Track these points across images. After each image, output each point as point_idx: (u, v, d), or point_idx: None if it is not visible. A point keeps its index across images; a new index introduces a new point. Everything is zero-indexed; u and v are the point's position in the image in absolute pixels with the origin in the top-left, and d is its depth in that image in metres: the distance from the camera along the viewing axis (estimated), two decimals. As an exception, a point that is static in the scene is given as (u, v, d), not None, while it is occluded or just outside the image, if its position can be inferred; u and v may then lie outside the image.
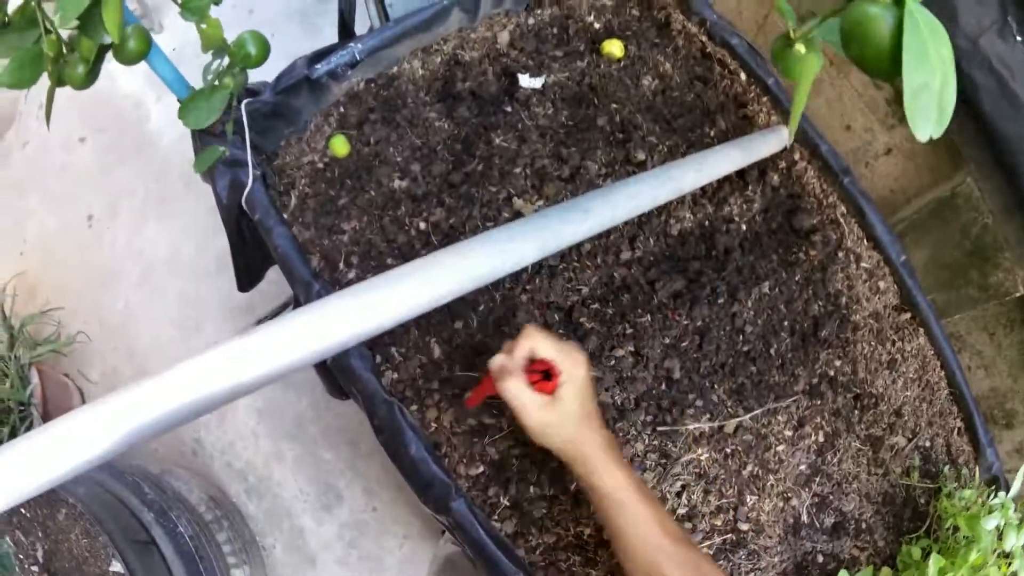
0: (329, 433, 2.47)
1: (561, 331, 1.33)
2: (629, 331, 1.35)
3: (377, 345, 1.26)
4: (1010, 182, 1.55)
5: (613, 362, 1.32)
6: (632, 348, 1.34)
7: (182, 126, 1.20)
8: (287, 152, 1.40)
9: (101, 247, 2.75)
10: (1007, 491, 1.52)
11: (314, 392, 2.47)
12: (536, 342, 1.02)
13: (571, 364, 1.02)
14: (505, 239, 1.10)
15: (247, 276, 1.60)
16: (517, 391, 1.00)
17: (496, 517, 1.22)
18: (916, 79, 0.73)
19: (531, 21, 1.61)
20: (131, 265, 2.70)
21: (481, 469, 1.23)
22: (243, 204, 1.30)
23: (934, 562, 1.32)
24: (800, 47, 0.96)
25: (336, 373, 1.26)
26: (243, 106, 1.28)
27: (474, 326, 1.30)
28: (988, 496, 1.51)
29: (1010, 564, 1.45)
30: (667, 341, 1.36)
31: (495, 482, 1.23)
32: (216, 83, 1.19)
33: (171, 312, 2.62)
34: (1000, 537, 1.43)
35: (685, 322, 1.38)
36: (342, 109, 1.44)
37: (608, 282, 1.38)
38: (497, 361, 1.04)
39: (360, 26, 1.90)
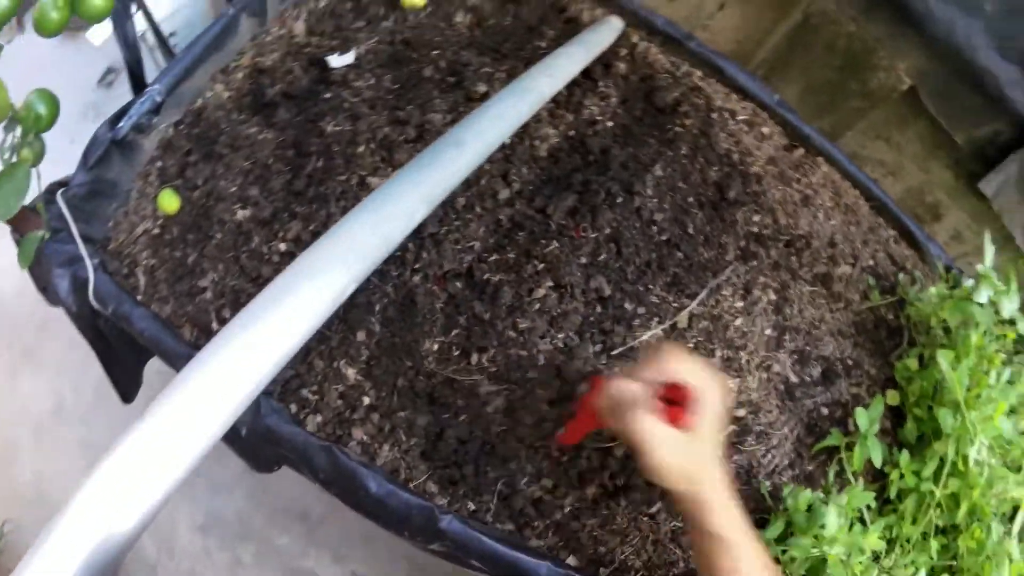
0: (276, 517, 2.35)
1: (469, 294, 1.23)
2: (541, 266, 1.25)
3: (286, 394, 1.14)
4: None
5: (537, 305, 1.22)
6: (551, 283, 1.24)
7: (16, 275, 1.08)
8: (119, 231, 1.26)
9: (-15, 420, 2.59)
10: (965, 277, 1.51)
11: (243, 482, 2.35)
12: (681, 364, 0.85)
13: (713, 394, 0.85)
14: (383, 208, 1.00)
15: (127, 382, 1.48)
16: (652, 427, 0.82)
17: (491, 520, 1.12)
18: None
19: (323, 3, 1.52)
20: (21, 431, 2.54)
21: (457, 477, 1.13)
22: (93, 303, 1.18)
23: (944, 357, 1.26)
24: None
25: (257, 443, 1.13)
26: (59, 197, 1.17)
27: (378, 330, 1.19)
28: (954, 284, 1.49)
29: (1013, 326, 1.43)
30: (583, 260, 1.27)
31: (475, 486, 1.13)
32: (14, 159, 1.08)
33: (79, 463, 2.48)
34: (996, 309, 1.40)
35: (593, 235, 1.29)
36: (159, 163, 1.32)
37: (497, 227, 1.28)
38: (621, 389, 0.86)
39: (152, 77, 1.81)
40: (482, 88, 1.38)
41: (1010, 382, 1.31)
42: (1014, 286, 1.44)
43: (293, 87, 1.40)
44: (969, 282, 1.45)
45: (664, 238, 1.34)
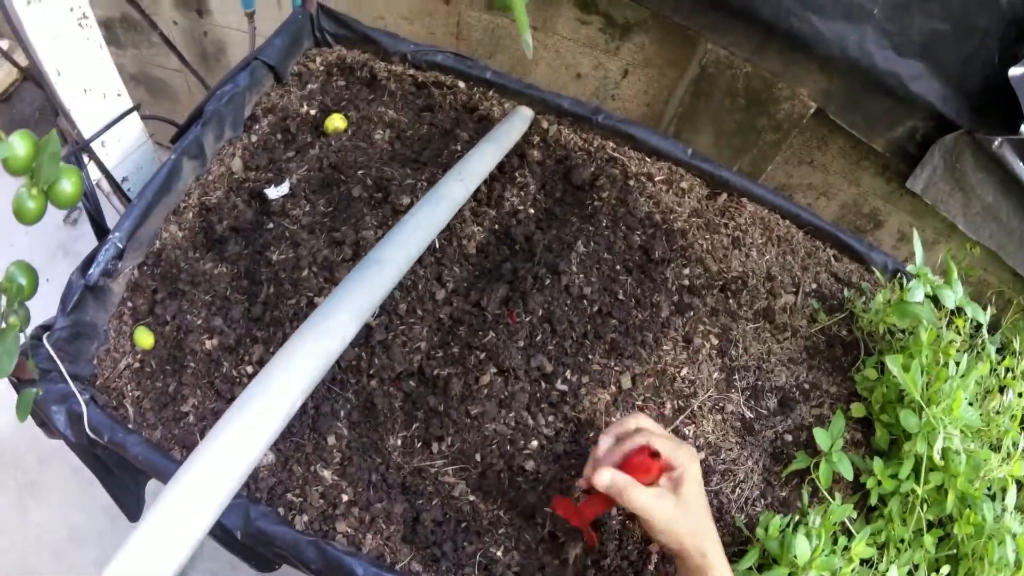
0: None
1: (423, 390, 1.33)
2: (483, 356, 1.35)
3: (273, 499, 1.25)
4: (746, 24, 1.65)
5: (486, 391, 1.33)
6: (494, 369, 1.34)
7: (12, 413, 1.20)
8: (103, 367, 1.38)
9: (3, 554, 2.70)
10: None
11: None
12: (652, 438, 1.01)
13: (687, 458, 1.02)
14: (319, 326, 1.13)
15: (131, 503, 1.58)
16: (646, 499, 0.97)
17: None
18: None
19: (254, 138, 1.63)
20: (39, 560, 2.64)
21: (439, 555, 1.23)
22: (89, 434, 1.29)
23: (892, 362, 1.34)
24: None
25: (253, 545, 1.23)
26: (45, 341, 1.27)
27: (346, 434, 1.30)
28: (902, 287, 1.54)
29: (963, 315, 1.52)
30: (521, 344, 1.37)
31: (456, 561, 1.23)
32: (2, 325, 1.20)
33: (99, 582, 2.58)
34: (937, 303, 1.49)
35: (527, 318, 1.39)
36: (129, 304, 1.44)
37: (439, 326, 1.39)
38: (609, 479, 1.00)
39: (112, 221, 1.92)
40: (406, 200, 1.49)
41: (963, 376, 1.38)
42: (954, 276, 1.52)
43: (239, 221, 1.50)
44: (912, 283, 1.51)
45: (596, 309, 1.44)
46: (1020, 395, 1.45)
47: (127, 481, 1.51)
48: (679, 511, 0.98)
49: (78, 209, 3.04)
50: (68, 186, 1.22)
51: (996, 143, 1.64)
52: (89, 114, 1.52)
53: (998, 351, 1.60)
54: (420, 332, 1.38)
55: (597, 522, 1.25)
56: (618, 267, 1.51)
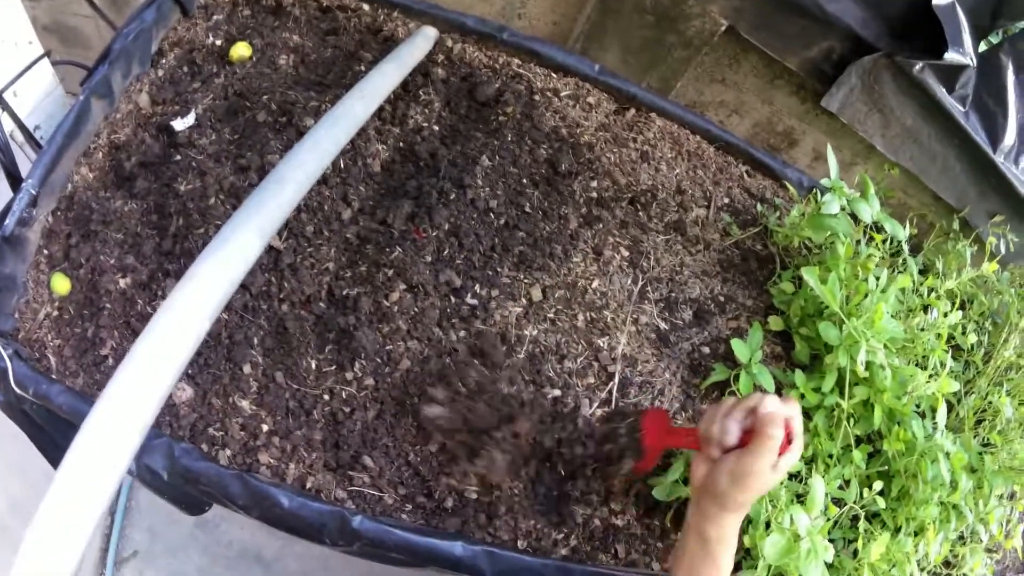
0: (234, 564, 2.43)
1: (333, 311, 1.35)
2: (391, 272, 1.37)
3: (195, 435, 1.26)
4: None
5: (397, 307, 1.35)
6: (403, 285, 1.37)
7: None
8: (24, 320, 1.38)
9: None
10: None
11: (197, 540, 2.37)
12: (793, 422, 1.05)
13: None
14: (224, 246, 1.15)
15: (60, 456, 1.60)
16: (772, 457, 1.04)
17: (400, 512, 1.25)
18: None
19: (161, 73, 1.62)
20: (-21, 535, 2.63)
21: (362, 478, 1.25)
22: (15, 389, 1.29)
23: (809, 274, 1.37)
24: None
25: (179, 485, 1.25)
26: None
27: (261, 361, 1.31)
28: (817, 203, 1.58)
29: (881, 232, 1.56)
30: (429, 259, 1.39)
31: (379, 482, 1.26)
32: None
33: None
34: (855, 218, 1.52)
35: (434, 233, 1.41)
36: (45, 251, 1.44)
37: (347, 246, 1.40)
38: (780, 402, 1.06)
39: (25, 169, 1.92)
40: (310, 122, 1.49)
41: (884, 290, 1.42)
42: (871, 191, 1.55)
43: (147, 156, 1.50)
44: (827, 196, 1.54)
45: (503, 222, 1.46)
46: (945, 315, 1.49)
47: (57, 437, 1.49)
48: (773, 479, 1.04)
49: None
50: None
51: (918, 67, 1.68)
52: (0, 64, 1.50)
53: (921, 272, 1.65)
54: (328, 253, 1.40)
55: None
56: (524, 180, 1.53)
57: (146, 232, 1.44)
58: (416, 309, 1.37)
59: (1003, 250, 1.87)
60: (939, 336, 1.46)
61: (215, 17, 1.72)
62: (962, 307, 1.69)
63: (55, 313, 1.40)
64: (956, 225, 1.91)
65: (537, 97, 1.63)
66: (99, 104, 1.53)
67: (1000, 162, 1.82)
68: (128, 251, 1.43)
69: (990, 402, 1.56)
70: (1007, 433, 1.53)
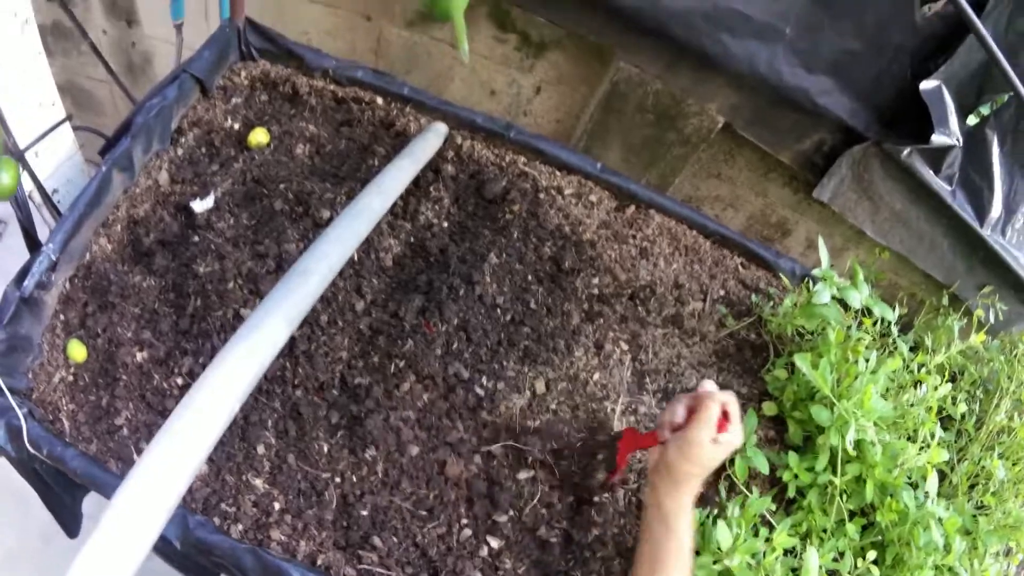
0: None
1: (345, 399, 1.44)
2: (402, 364, 1.46)
3: (208, 508, 1.33)
4: (658, 43, 1.74)
5: (409, 398, 1.44)
6: (413, 377, 1.46)
7: None
8: (39, 381, 1.44)
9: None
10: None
11: None
12: (729, 404, 1.21)
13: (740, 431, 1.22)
14: (254, 333, 1.22)
15: (69, 518, 1.63)
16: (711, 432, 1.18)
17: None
18: None
19: (180, 151, 1.71)
20: (-28, 581, 2.66)
21: (371, 557, 1.33)
22: (29, 448, 1.33)
23: (801, 360, 1.47)
24: None
25: (191, 555, 1.31)
26: None
27: (274, 442, 1.39)
28: (808, 290, 1.67)
29: (871, 315, 1.66)
30: (439, 352, 1.48)
31: (387, 561, 1.33)
32: None
33: (33, 606, 2.60)
34: (844, 305, 1.62)
35: (444, 327, 1.51)
36: (62, 316, 1.50)
37: (360, 336, 1.50)
38: (714, 387, 1.23)
39: (43, 235, 1.97)
40: (326, 214, 1.59)
41: (874, 372, 1.51)
42: (860, 277, 1.63)
43: (166, 234, 1.59)
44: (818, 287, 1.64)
45: (509, 317, 1.57)
46: (935, 388, 1.58)
47: (64, 496, 1.56)
48: (716, 453, 1.19)
49: (3, 223, 3.03)
50: (6, 178, 1.28)
51: (905, 152, 1.76)
52: (24, 122, 1.56)
53: (911, 350, 1.74)
54: (341, 342, 1.49)
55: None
56: (530, 277, 1.63)
57: (164, 309, 1.51)
58: (426, 399, 1.45)
59: (992, 319, 1.95)
60: (929, 409, 1.55)
61: (234, 100, 1.80)
62: (952, 379, 1.77)
63: (70, 378, 1.45)
64: (946, 300, 2.00)
65: (542, 195, 1.73)
66: (120, 177, 1.59)
67: (987, 235, 1.90)
68: (145, 326, 1.49)
69: (983, 466, 1.64)
70: (1001, 494, 1.61)
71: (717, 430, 1.17)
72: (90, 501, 1.58)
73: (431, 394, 1.46)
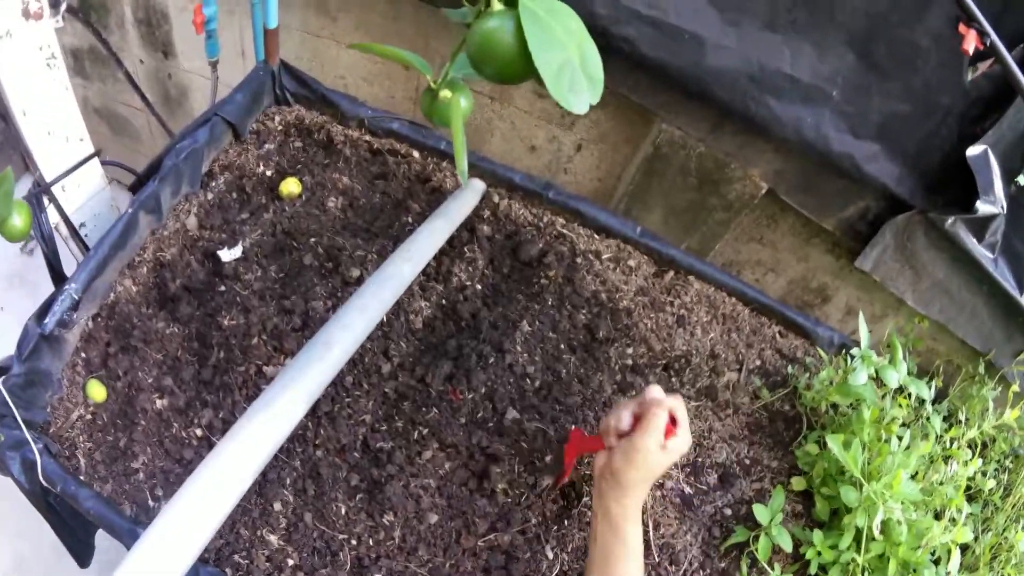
0: None
1: (366, 462, 1.43)
2: (425, 431, 1.46)
3: (220, 560, 1.32)
4: (704, 105, 1.73)
5: (430, 466, 1.44)
6: (436, 444, 1.46)
7: None
8: (56, 416, 1.45)
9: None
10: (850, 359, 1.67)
11: None
12: (676, 409, 1.21)
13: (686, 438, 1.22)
14: (269, 407, 1.23)
15: (81, 550, 1.64)
16: (659, 439, 1.18)
17: None
18: (551, 63, 0.76)
19: (210, 196, 1.72)
20: (-18, 588, 2.66)
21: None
22: (43, 483, 1.35)
23: (833, 441, 1.45)
24: (445, 93, 1.03)
25: None
26: (0, 385, 1.33)
27: (291, 500, 1.39)
28: (846, 364, 1.67)
29: (908, 395, 1.63)
30: (463, 421, 1.48)
31: None
32: None
33: (41, 618, 2.59)
34: (880, 382, 1.59)
35: (470, 395, 1.51)
36: (83, 355, 1.50)
37: (384, 400, 1.50)
38: (660, 392, 1.23)
39: (68, 265, 1.96)
40: (356, 272, 1.60)
41: (906, 450, 1.49)
42: (899, 356, 1.61)
43: (192, 281, 1.60)
44: (855, 358, 1.62)
45: (537, 386, 1.56)
46: (965, 463, 1.57)
47: (77, 529, 1.57)
48: (663, 460, 1.18)
49: (35, 239, 3.06)
50: (18, 221, 1.29)
51: (949, 222, 1.74)
52: (51, 156, 1.57)
53: (945, 419, 1.74)
54: (365, 405, 1.49)
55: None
56: (562, 346, 1.62)
57: (186, 358, 1.52)
58: (447, 468, 1.45)
59: None
60: (957, 488, 1.53)
61: (266, 146, 1.81)
62: (983, 447, 1.75)
63: (88, 416, 1.46)
64: (982, 368, 1.96)
65: (579, 260, 1.72)
66: (147, 218, 1.60)
67: None
68: (167, 373, 1.50)
69: (1006, 537, 1.61)
70: (1021, 567, 1.58)
71: (664, 436, 1.17)
72: (103, 533, 1.54)
73: (453, 463, 1.46)
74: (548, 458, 1.46)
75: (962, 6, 1.17)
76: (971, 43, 1.37)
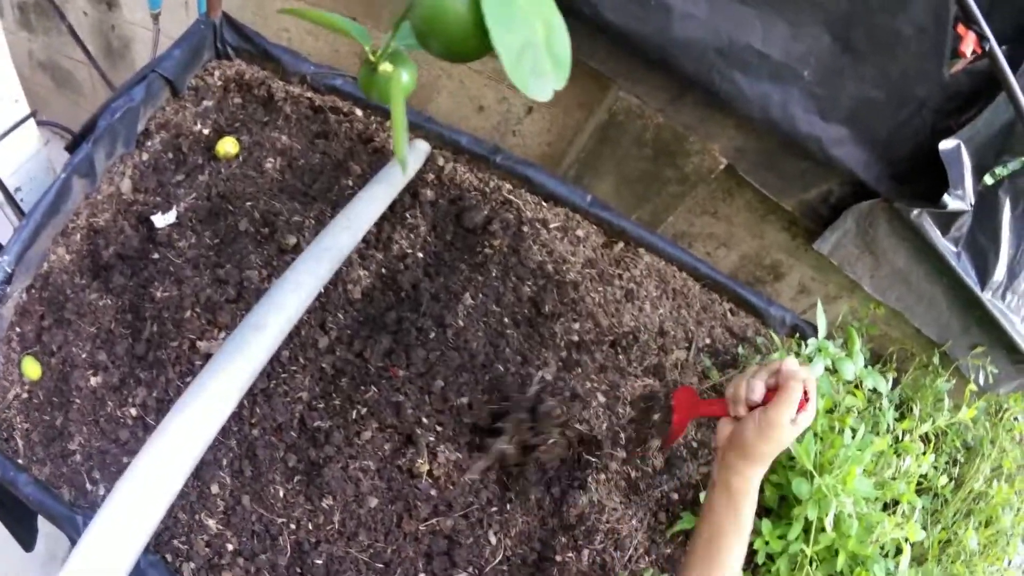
0: None
1: (304, 442, 1.41)
2: (364, 411, 1.45)
3: (160, 545, 1.31)
4: (667, 75, 1.69)
5: (369, 448, 1.42)
6: (376, 425, 1.44)
7: None
8: None
9: None
10: (815, 333, 1.67)
11: None
12: (810, 380, 1.19)
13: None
14: (198, 401, 1.20)
15: (25, 534, 1.63)
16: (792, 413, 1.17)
17: None
18: (512, 43, 0.66)
19: (145, 156, 1.68)
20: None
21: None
22: None
23: None
24: (385, 67, 0.92)
25: None
26: None
27: (229, 482, 1.37)
28: (798, 346, 1.68)
29: (861, 387, 1.63)
30: (401, 399, 1.46)
31: None
32: None
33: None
34: (834, 370, 1.60)
35: (411, 371, 1.49)
36: (18, 329, 1.48)
37: (322, 376, 1.48)
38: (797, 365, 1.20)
39: (3, 233, 1.91)
40: (292, 240, 1.58)
41: (860, 449, 1.47)
42: (856, 347, 1.62)
43: (125, 248, 1.57)
44: (810, 345, 1.63)
45: (480, 360, 1.54)
46: (917, 458, 1.58)
47: (21, 513, 1.57)
48: (792, 433, 1.16)
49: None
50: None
51: (915, 213, 1.74)
52: None
53: (897, 407, 1.75)
54: (302, 381, 1.47)
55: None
56: (506, 320, 1.61)
57: (120, 331, 1.49)
58: (387, 449, 1.42)
59: (981, 382, 1.96)
60: (909, 483, 1.54)
61: (205, 103, 1.77)
62: (935, 438, 1.77)
63: (24, 395, 1.44)
64: (936, 359, 1.97)
65: (526, 228, 1.70)
66: (80, 182, 1.57)
67: (987, 299, 1.88)
68: (100, 347, 1.47)
69: (956, 533, 1.63)
70: (970, 562, 1.61)
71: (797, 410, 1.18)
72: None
73: (393, 444, 1.44)
74: (656, 416, 1.47)
75: (964, 7, 1.14)
76: (969, 46, 1.35)
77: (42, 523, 1.59)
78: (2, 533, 1.59)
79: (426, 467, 1.42)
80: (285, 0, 2.02)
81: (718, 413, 1.26)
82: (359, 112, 1.79)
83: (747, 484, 1.17)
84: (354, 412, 1.44)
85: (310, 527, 1.35)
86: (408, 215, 1.67)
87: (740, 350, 1.75)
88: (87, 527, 1.10)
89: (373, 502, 1.37)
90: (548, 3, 0.68)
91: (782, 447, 1.17)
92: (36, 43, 2.91)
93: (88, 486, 1.35)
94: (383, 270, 1.60)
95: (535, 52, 0.67)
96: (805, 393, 1.16)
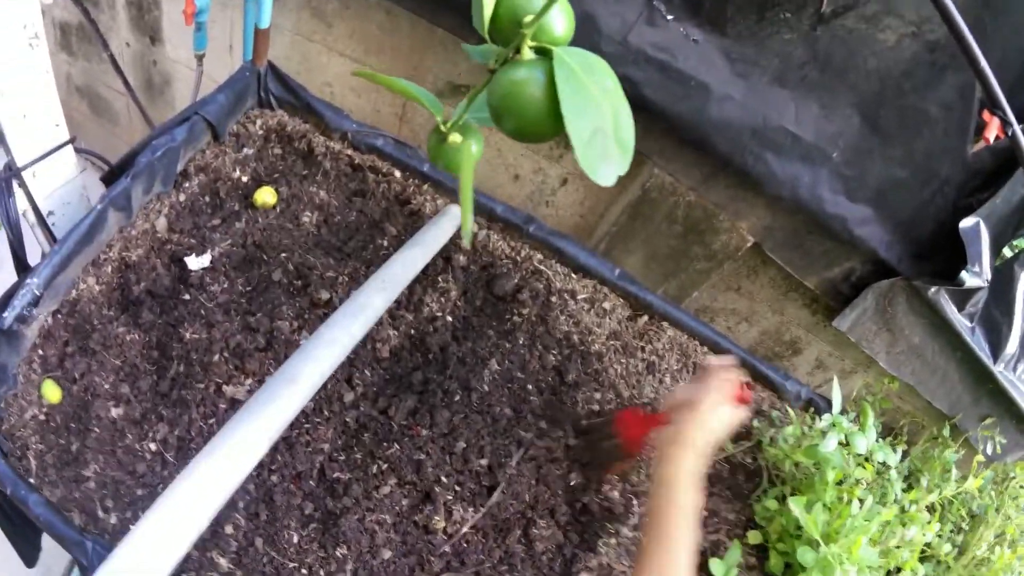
0: None
1: (322, 491, 1.43)
2: (384, 467, 1.47)
3: None
4: (701, 154, 1.74)
5: (388, 501, 1.44)
6: (395, 480, 1.46)
7: None
8: (9, 413, 1.44)
9: None
10: (829, 407, 1.70)
11: None
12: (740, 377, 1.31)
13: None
14: (228, 447, 1.20)
15: (28, 550, 1.63)
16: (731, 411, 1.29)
17: None
18: (583, 128, 0.70)
19: (183, 197, 1.72)
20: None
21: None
22: None
23: (795, 504, 1.47)
24: (455, 137, 0.96)
25: None
26: None
27: (243, 524, 1.39)
28: (812, 420, 1.71)
29: (870, 460, 1.65)
30: (422, 457, 1.48)
31: None
32: None
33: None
34: (847, 443, 1.62)
35: (432, 432, 1.51)
36: (40, 351, 1.50)
37: (344, 429, 1.51)
38: (724, 380, 1.30)
39: (32, 253, 1.93)
40: (325, 295, 1.61)
41: (867, 515, 1.49)
42: (869, 422, 1.64)
43: (156, 286, 1.61)
44: (824, 420, 1.66)
45: (502, 427, 1.56)
46: (923, 527, 1.58)
47: (27, 530, 1.56)
48: (725, 420, 1.27)
49: (1, 225, 3.04)
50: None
51: (932, 290, 1.77)
52: (24, 140, 1.56)
53: (905, 478, 1.76)
54: (324, 433, 1.50)
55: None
56: (530, 387, 1.64)
57: (145, 367, 1.51)
58: (405, 505, 1.44)
59: (989, 451, 1.99)
60: (913, 552, 1.54)
61: (245, 150, 1.80)
62: (941, 507, 1.78)
63: (42, 417, 1.45)
64: (947, 431, 2.00)
65: (554, 299, 1.74)
66: (116, 215, 1.59)
67: (999, 371, 1.91)
68: (124, 380, 1.49)
69: None
70: None
71: (738, 403, 1.27)
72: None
73: (411, 500, 1.46)
74: (604, 443, 1.49)
75: (989, 93, 1.17)
76: (993, 131, 1.39)
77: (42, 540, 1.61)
78: (3, 547, 1.60)
79: (442, 524, 1.44)
80: (330, 54, 2.07)
81: (665, 422, 1.31)
82: (397, 173, 1.83)
83: (680, 471, 1.22)
84: (375, 467, 1.46)
85: (322, 574, 1.36)
86: (440, 279, 1.71)
87: (755, 423, 1.77)
88: (111, 554, 1.08)
89: (387, 554, 1.39)
90: (617, 92, 0.74)
91: (714, 433, 1.26)
92: (75, 67, 2.94)
93: (100, 513, 1.36)
94: (412, 331, 1.64)
95: (604, 138, 0.71)
96: (746, 391, 1.29)
